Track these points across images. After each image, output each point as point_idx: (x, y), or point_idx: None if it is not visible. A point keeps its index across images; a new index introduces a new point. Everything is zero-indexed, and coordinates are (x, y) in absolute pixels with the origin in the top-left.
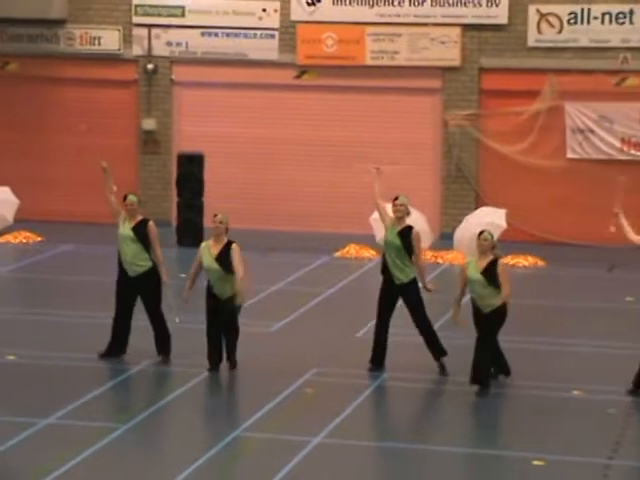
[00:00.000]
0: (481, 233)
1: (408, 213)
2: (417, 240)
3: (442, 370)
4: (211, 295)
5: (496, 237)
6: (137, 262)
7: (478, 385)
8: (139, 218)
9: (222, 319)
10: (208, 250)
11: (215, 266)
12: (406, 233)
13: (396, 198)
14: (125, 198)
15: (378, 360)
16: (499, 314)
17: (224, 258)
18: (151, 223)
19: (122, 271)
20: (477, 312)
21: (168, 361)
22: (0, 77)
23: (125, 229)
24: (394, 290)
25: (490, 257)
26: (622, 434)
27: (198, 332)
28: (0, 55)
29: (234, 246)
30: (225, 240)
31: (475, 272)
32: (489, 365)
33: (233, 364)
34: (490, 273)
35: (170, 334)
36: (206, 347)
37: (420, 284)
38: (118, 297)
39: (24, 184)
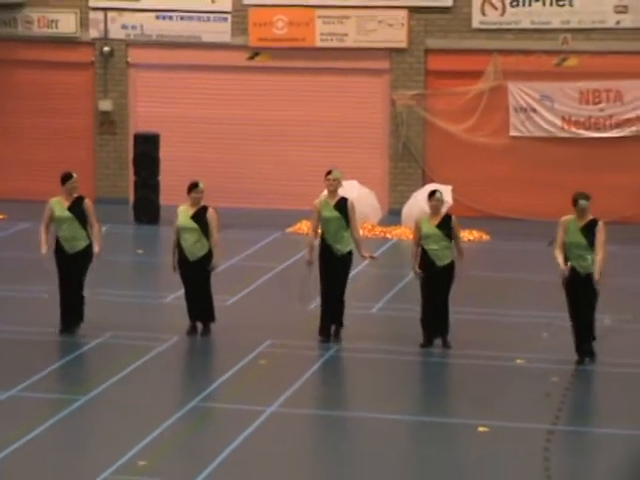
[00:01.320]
0: (433, 194)
1: (340, 186)
2: (352, 210)
3: (336, 336)
4: (184, 259)
5: (443, 212)
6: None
7: (446, 334)
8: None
9: (194, 283)
10: (185, 212)
11: (191, 224)
12: (342, 205)
13: (329, 172)
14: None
15: (326, 330)
16: (452, 268)
17: (199, 219)
18: (87, 200)
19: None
20: (431, 266)
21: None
22: None
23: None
24: (334, 261)
25: (442, 214)
26: (564, 401)
27: (155, 306)
28: None
29: (210, 210)
30: (202, 204)
31: (429, 227)
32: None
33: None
34: (444, 227)
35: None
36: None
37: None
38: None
39: None
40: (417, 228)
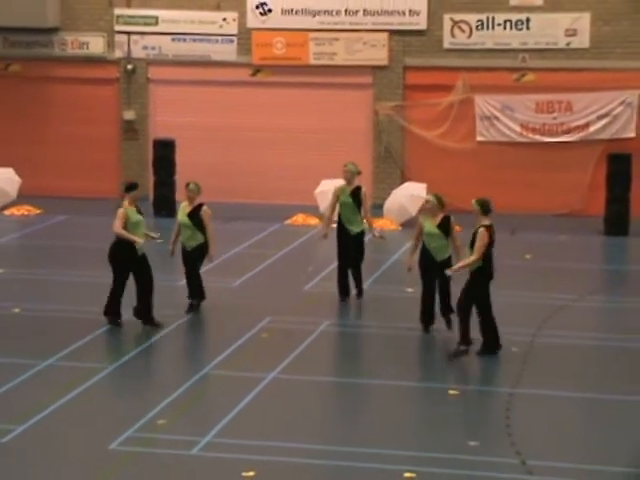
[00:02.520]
0: (345, 165)
1: (355, 176)
2: (364, 197)
3: (358, 296)
4: (182, 247)
5: (419, 207)
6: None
7: (450, 315)
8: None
9: (188, 267)
10: (183, 209)
11: (186, 221)
12: (356, 192)
13: (345, 165)
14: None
15: (344, 291)
16: (450, 262)
17: (194, 216)
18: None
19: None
20: (431, 261)
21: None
22: (3, 77)
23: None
24: (349, 240)
25: (441, 215)
26: (522, 368)
27: (169, 288)
28: (3, 58)
29: (204, 208)
30: (197, 203)
31: (432, 227)
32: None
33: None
34: (444, 227)
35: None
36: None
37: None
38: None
39: (25, 165)
40: (419, 227)
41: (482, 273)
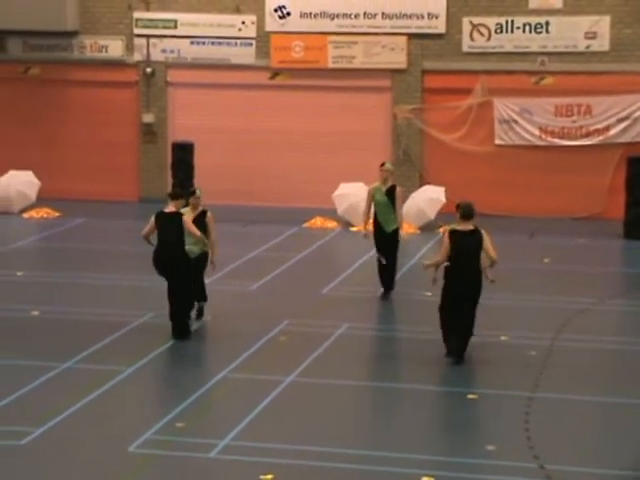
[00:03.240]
0: (383, 164)
1: (391, 175)
2: (398, 196)
3: (385, 295)
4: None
5: (437, 210)
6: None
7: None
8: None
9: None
10: (186, 217)
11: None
12: (391, 191)
13: (383, 164)
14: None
15: (387, 284)
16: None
17: (199, 222)
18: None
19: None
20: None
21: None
22: (23, 80)
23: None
24: (384, 236)
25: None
26: (541, 372)
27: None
28: (23, 62)
29: (209, 214)
30: (200, 209)
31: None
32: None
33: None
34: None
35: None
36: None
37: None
38: None
39: (44, 168)
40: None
41: (447, 275)
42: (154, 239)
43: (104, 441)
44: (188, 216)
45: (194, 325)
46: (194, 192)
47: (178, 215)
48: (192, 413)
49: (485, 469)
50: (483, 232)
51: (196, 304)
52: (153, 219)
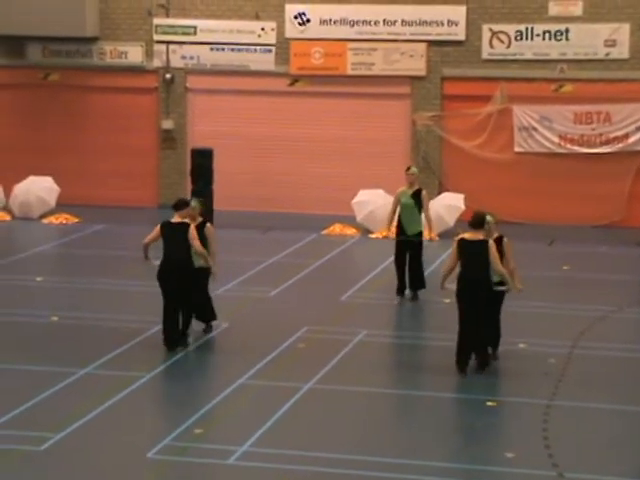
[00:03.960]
0: (408, 168)
1: (417, 179)
2: (425, 198)
3: (413, 297)
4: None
5: (456, 217)
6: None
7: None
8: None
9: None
10: None
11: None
12: (417, 194)
13: (408, 168)
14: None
15: (401, 287)
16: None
17: (198, 233)
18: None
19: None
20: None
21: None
22: (43, 86)
23: None
24: (408, 241)
25: (496, 234)
26: (560, 380)
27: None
28: (43, 67)
29: (208, 225)
30: (199, 220)
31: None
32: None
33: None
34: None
35: None
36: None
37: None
38: None
39: (64, 174)
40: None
41: (457, 284)
42: (152, 254)
43: (123, 447)
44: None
45: (217, 329)
46: (187, 204)
47: (184, 225)
48: (211, 419)
49: (504, 477)
50: (491, 242)
51: (196, 322)
52: (158, 228)
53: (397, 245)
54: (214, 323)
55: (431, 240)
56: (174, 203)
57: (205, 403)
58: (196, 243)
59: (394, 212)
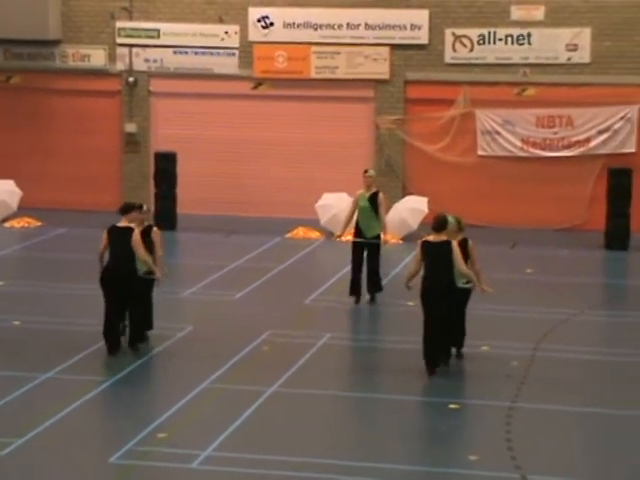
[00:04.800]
0: (366, 171)
1: (375, 182)
2: (381, 203)
3: (371, 300)
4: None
5: (419, 220)
6: None
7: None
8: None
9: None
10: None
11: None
12: (374, 198)
13: (366, 171)
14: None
15: (356, 291)
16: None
17: (144, 238)
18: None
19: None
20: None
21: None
22: (5, 89)
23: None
24: (365, 244)
25: (460, 238)
26: (523, 382)
27: (172, 300)
28: (4, 70)
29: (155, 229)
30: (146, 224)
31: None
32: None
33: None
34: (463, 250)
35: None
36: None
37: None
38: None
39: (26, 177)
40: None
41: (422, 283)
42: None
43: (85, 452)
44: (137, 232)
45: (180, 333)
46: (141, 207)
47: (129, 230)
48: (174, 424)
49: (468, 479)
50: (454, 243)
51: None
52: (105, 234)
53: (354, 248)
54: (184, 327)
55: (386, 243)
56: (120, 207)
57: (168, 407)
58: (140, 250)
59: (352, 215)
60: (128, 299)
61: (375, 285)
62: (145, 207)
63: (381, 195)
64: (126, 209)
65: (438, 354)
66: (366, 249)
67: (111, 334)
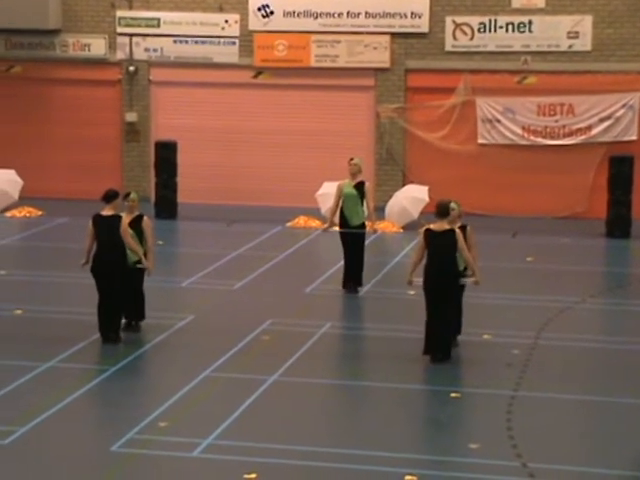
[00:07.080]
0: (351, 159)
1: (360, 171)
2: (368, 191)
3: (355, 290)
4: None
5: (420, 209)
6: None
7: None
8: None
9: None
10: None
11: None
12: (360, 186)
13: (351, 159)
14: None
15: (348, 281)
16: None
17: (134, 227)
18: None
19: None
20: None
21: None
22: (6, 78)
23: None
24: (349, 230)
25: (459, 223)
26: (524, 370)
27: (173, 289)
28: (5, 60)
29: (145, 219)
30: (137, 213)
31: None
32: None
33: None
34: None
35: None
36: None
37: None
38: None
39: (27, 167)
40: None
41: (424, 274)
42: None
43: (87, 441)
44: (124, 220)
45: (181, 322)
46: (128, 194)
47: (116, 218)
48: (175, 412)
49: (468, 467)
50: (458, 232)
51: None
52: (90, 224)
53: (341, 237)
54: (186, 317)
55: (375, 232)
56: (103, 194)
57: (169, 396)
58: (128, 239)
59: (337, 205)
60: (117, 290)
61: (356, 281)
62: (133, 194)
63: (368, 184)
64: (109, 197)
65: (441, 342)
66: (351, 239)
67: (103, 323)
